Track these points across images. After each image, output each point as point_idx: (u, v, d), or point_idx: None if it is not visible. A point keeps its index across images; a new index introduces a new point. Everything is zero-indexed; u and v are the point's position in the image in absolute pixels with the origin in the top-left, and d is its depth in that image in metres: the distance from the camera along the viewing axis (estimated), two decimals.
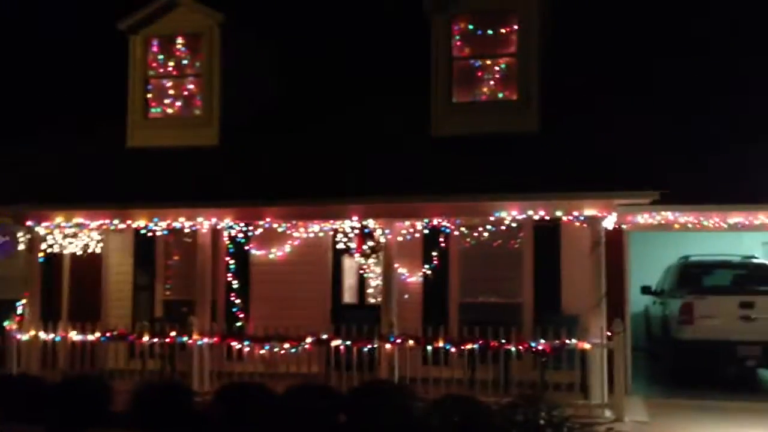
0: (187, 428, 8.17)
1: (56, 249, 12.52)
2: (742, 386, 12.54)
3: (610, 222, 10.63)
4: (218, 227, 11.66)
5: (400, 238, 11.36)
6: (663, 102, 11.77)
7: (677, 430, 9.34)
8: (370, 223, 11.25)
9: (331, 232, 12.36)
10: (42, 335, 11.22)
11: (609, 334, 9.83)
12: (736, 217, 10.98)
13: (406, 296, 12.05)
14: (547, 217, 10.34)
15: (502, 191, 10.17)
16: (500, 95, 11.57)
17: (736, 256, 14.44)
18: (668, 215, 10.98)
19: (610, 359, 9.82)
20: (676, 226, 11.41)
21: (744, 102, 11.70)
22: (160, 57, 12.86)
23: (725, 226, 11.21)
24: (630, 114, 11.18)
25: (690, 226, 11.38)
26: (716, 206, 10.65)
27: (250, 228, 11.93)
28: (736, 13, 12.66)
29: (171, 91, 12.83)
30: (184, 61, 12.81)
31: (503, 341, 9.90)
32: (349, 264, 12.84)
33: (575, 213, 10.02)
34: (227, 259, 12.75)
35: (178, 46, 12.83)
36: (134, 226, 11.73)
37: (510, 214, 10.33)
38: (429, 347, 10.15)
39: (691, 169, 10.78)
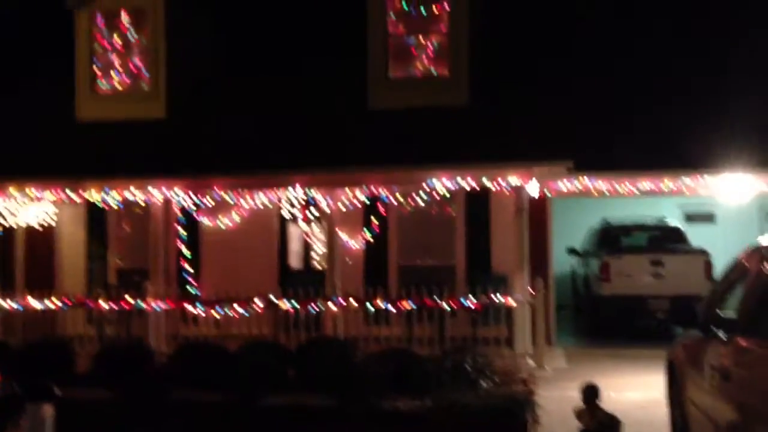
0: (148, 384, 8.89)
1: (10, 221, 12.97)
2: (654, 337, 13.81)
3: (533, 189, 11.62)
4: (169, 198, 12.27)
5: (342, 207, 12.17)
6: (582, 79, 12.71)
7: (590, 374, 10.40)
8: (313, 192, 12.01)
9: (277, 201, 13.07)
10: (1, 304, 11.72)
11: (532, 291, 10.90)
12: (645, 183, 12.09)
13: (349, 261, 12.88)
14: (475, 185, 11.28)
15: (432, 161, 11.05)
16: (433, 71, 12.40)
17: (652, 219, 15.72)
18: (586, 182, 12.03)
19: (534, 314, 10.88)
20: (594, 192, 12.47)
21: (657, 72, 12.75)
22: (106, 31, 13.26)
23: (636, 191, 12.32)
24: (552, 91, 12.09)
25: (606, 192, 12.47)
26: (626, 172, 11.75)
27: (200, 198, 12.56)
28: None
29: (118, 66, 13.27)
30: (130, 36, 13.26)
31: (438, 300, 10.85)
32: (295, 231, 13.61)
33: (500, 181, 10.97)
34: (178, 228, 13.35)
35: (124, 22, 13.24)
36: (87, 198, 12.25)
37: (441, 183, 11.23)
38: (370, 306, 11.04)
39: (606, 141, 11.81)
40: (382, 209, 12.98)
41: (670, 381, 7.31)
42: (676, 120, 12.13)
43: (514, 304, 10.81)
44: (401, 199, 12.52)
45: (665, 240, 14.66)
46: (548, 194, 12.59)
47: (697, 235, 15.56)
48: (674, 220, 16.30)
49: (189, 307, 11.46)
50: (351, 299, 11.05)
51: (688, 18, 13.17)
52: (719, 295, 6.38)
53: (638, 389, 9.67)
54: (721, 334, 5.87)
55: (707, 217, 17.84)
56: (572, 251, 16.08)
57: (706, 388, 5.85)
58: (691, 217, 18.02)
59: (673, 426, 7.05)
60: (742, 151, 11.43)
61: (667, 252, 13.63)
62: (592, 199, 14.49)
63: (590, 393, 7.06)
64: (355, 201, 12.23)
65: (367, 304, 10.98)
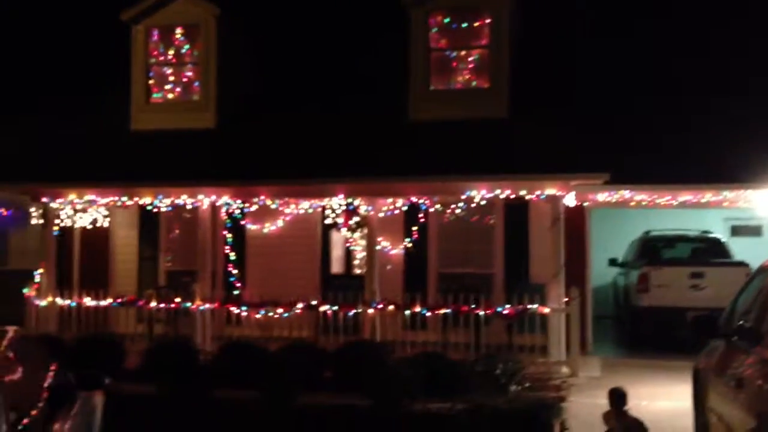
0: (193, 380, 9.34)
1: (68, 223, 13.66)
2: (691, 349, 13.76)
3: (570, 200, 11.79)
4: (217, 204, 12.79)
5: (382, 215, 12.51)
6: (620, 92, 12.79)
7: (624, 382, 10.45)
8: (355, 200, 12.38)
9: (320, 209, 13.48)
10: (58, 301, 12.39)
11: (567, 300, 11.05)
12: (684, 196, 12.14)
13: (389, 267, 13.19)
14: (513, 196, 11.51)
15: (471, 172, 11.32)
16: (473, 83, 12.67)
17: (695, 231, 15.66)
18: (624, 194, 12.13)
19: (569, 323, 11.03)
20: (632, 203, 12.57)
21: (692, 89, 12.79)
22: (161, 46, 13.89)
23: (675, 203, 12.38)
24: (590, 104, 12.23)
25: (644, 203, 12.55)
26: (665, 186, 11.82)
27: (246, 205, 13.05)
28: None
29: (171, 78, 13.87)
30: (183, 50, 13.85)
31: (473, 306, 11.09)
32: (337, 238, 13.99)
33: (537, 192, 11.18)
34: (225, 233, 13.86)
35: (178, 36, 13.84)
36: (140, 203, 12.86)
37: (479, 193, 11.49)
38: (407, 312, 11.33)
39: (645, 152, 11.90)
40: (422, 217, 13.26)
41: (695, 390, 7.43)
42: (715, 133, 12.14)
43: (547, 311, 10.97)
44: (441, 208, 12.80)
45: (706, 252, 14.60)
46: (585, 205, 12.71)
47: (744, 249, 15.42)
48: (717, 233, 16.19)
49: (234, 309, 11.92)
50: (390, 305, 11.35)
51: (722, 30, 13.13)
52: (741, 304, 6.50)
53: (670, 399, 9.75)
54: (741, 343, 6.01)
55: (754, 230, 17.64)
56: (613, 262, 16.11)
57: (726, 397, 5.98)
58: (737, 230, 17.85)
59: None
60: None
61: (706, 264, 13.59)
62: (635, 210, 14.55)
63: (617, 397, 7.23)
64: (395, 209, 12.56)
65: (406, 311, 11.25)
